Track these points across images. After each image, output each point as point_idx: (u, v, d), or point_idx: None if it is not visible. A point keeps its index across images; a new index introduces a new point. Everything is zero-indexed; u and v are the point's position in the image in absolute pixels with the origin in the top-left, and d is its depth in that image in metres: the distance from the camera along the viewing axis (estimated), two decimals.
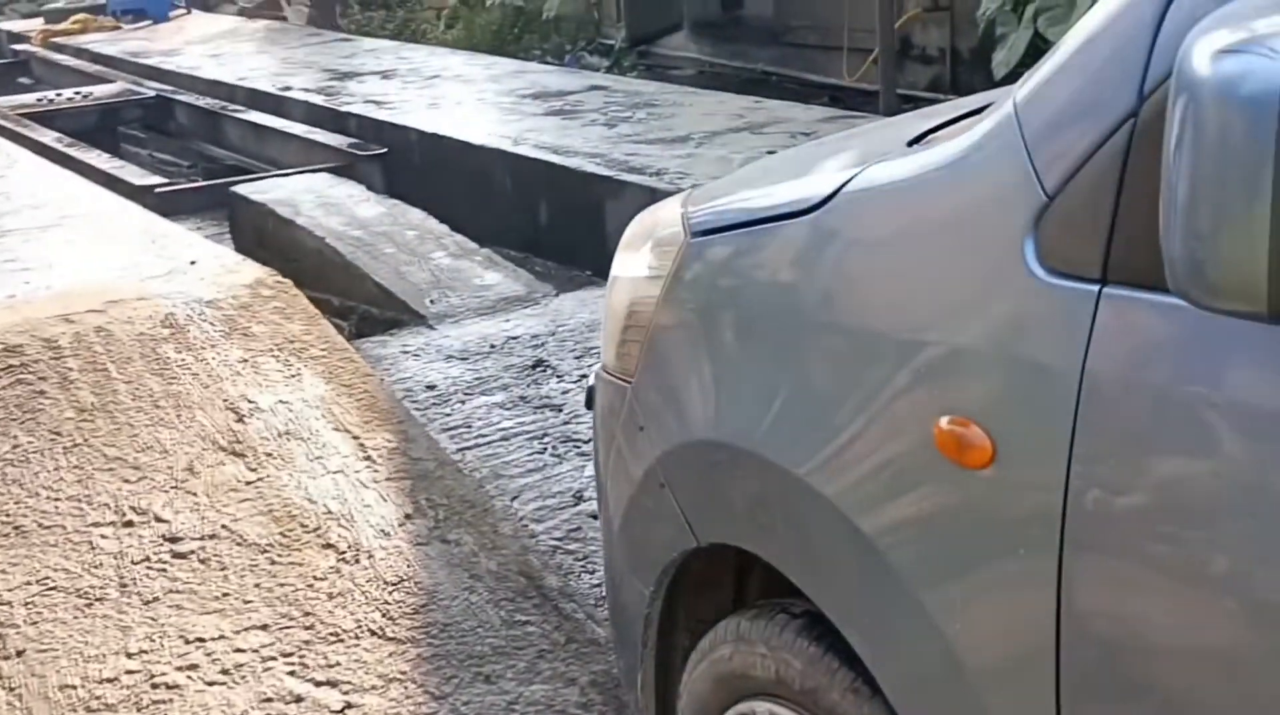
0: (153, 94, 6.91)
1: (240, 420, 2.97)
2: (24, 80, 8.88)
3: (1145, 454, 1.10)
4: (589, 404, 2.01)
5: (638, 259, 1.83)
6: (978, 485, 1.22)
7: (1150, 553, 1.09)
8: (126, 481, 2.76)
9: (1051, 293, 1.17)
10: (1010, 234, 1.20)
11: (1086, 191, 1.11)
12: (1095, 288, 1.12)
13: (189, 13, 9.90)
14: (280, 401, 3.06)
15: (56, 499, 2.70)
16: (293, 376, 3.16)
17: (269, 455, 2.90)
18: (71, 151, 5.29)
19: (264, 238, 4.61)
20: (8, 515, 2.63)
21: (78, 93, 7.06)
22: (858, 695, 1.44)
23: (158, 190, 4.76)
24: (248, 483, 2.81)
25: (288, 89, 6.51)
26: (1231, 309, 0.95)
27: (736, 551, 1.63)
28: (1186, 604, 1.06)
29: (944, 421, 1.25)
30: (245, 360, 3.18)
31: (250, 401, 3.04)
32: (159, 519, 2.69)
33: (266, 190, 4.76)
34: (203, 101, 6.70)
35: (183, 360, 3.13)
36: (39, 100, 6.92)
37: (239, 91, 6.74)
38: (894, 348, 1.35)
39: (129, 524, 2.67)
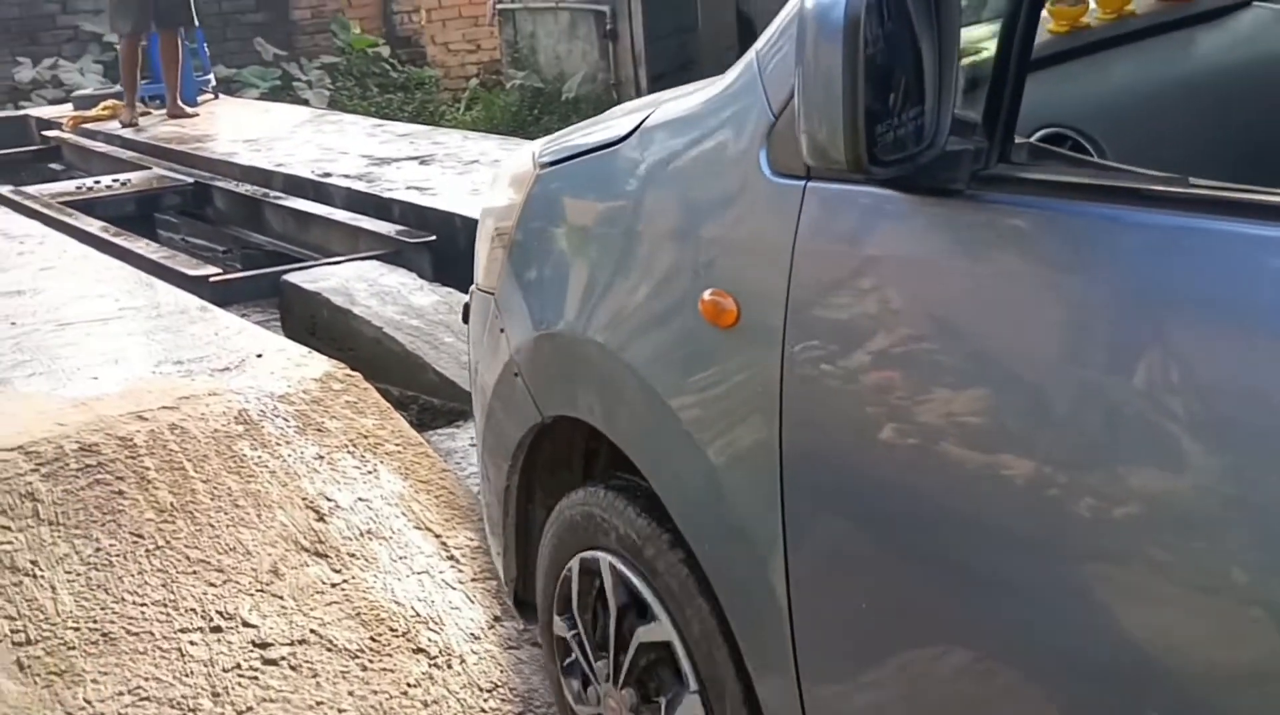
0: (191, 181, 6.96)
1: (321, 519, 2.95)
2: (55, 166, 8.94)
3: (823, 297, 1.54)
4: (465, 318, 2.46)
5: (500, 192, 2.32)
6: (729, 338, 1.66)
7: (831, 367, 1.53)
8: (211, 585, 2.74)
9: (776, 189, 1.59)
10: (751, 147, 1.64)
11: (792, 112, 1.46)
12: (801, 183, 1.55)
13: (216, 97, 9.99)
14: (359, 499, 3.03)
15: (143, 604, 2.67)
16: (369, 473, 3.14)
17: (352, 555, 2.87)
18: (118, 240, 5.31)
19: (317, 327, 4.60)
20: (95, 621, 2.60)
21: (116, 180, 7.10)
22: (661, 547, 1.87)
23: (212, 280, 4.76)
24: (333, 585, 2.79)
25: (327, 175, 6.55)
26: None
27: (584, 437, 2.08)
28: (854, 404, 1.50)
29: (707, 294, 1.68)
30: (321, 456, 3.16)
31: (329, 500, 3.01)
32: (247, 624, 2.66)
33: (319, 279, 4.77)
34: (242, 188, 6.73)
35: (259, 457, 3.11)
36: (78, 188, 6.96)
37: (276, 177, 6.78)
38: (673, 242, 1.81)
39: (217, 629, 2.64)
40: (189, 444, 3.13)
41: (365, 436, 3.26)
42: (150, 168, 7.46)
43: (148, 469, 3.02)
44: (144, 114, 8.98)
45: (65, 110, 9.66)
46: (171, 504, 2.93)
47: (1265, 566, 1.11)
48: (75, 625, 2.60)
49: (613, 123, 2.06)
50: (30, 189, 6.94)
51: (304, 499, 3.00)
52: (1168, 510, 1.19)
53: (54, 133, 9.08)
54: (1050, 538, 1.29)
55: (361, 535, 2.93)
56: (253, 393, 3.38)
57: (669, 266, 1.82)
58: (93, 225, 5.71)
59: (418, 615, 2.73)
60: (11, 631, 2.57)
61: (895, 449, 1.45)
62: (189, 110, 9.03)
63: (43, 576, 2.69)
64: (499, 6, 11.36)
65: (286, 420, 3.27)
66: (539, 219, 2.16)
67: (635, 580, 1.95)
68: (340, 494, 3.04)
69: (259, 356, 3.65)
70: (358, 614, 2.71)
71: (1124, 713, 1.25)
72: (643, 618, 1.94)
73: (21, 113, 10.24)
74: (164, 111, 9.09)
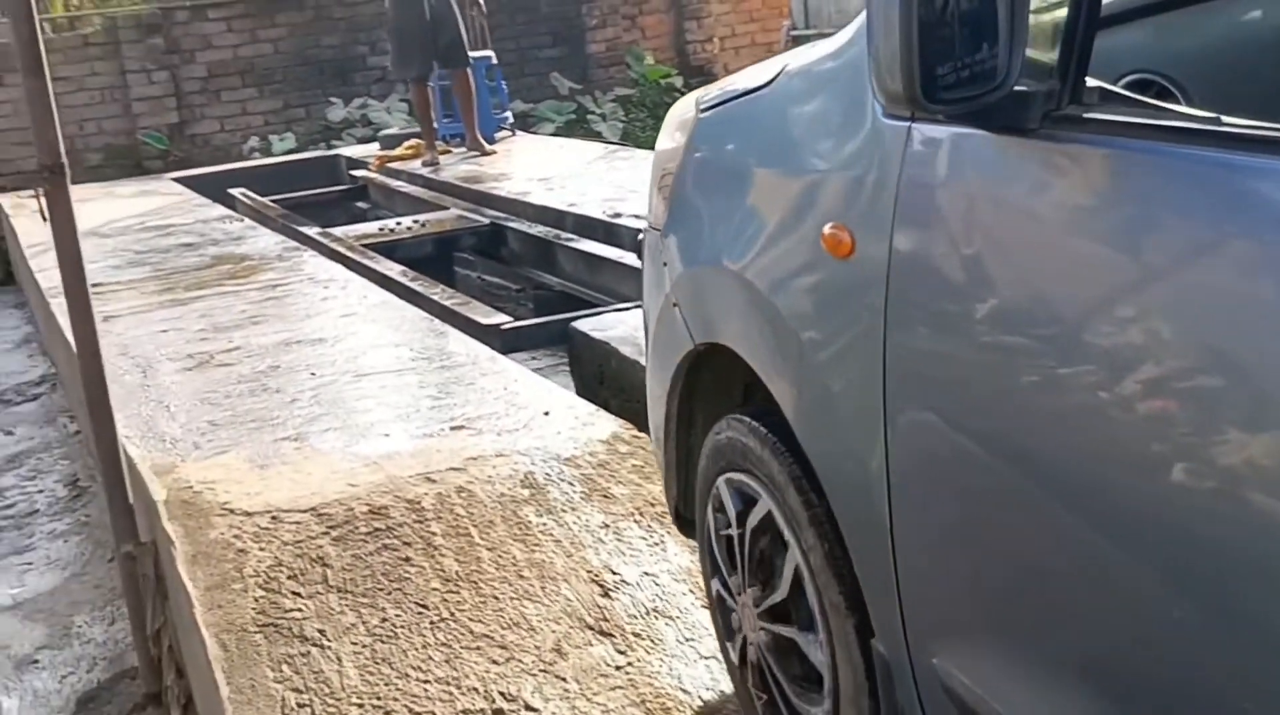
0: (487, 222, 7.08)
1: (606, 595, 2.84)
2: (361, 205, 9.32)
3: (920, 230, 1.65)
4: (638, 253, 2.70)
5: (667, 136, 2.48)
6: (845, 269, 1.78)
7: (925, 298, 1.64)
8: (494, 663, 2.66)
9: (885, 129, 1.71)
10: (863, 90, 1.74)
11: None
12: (907, 124, 1.66)
13: (514, 134, 10.21)
14: (645, 574, 2.92)
15: (426, 681, 2.62)
16: (656, 545, 3.02)
17: (637, 635, 2.75)
18: (415, 285, 5.42)
19: (605, 376, 4.54)
20: (379, 699, 2.56)
21: (415, 221, 7.31)
22: (784, 464, 2.01)
23: (503, 328, 4.78)
24: (617, 668, 2.67)
25: (618, 215, 6.54)
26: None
27: (744, 368, 2.13)
28: (944, 334, 1.62)
29: (828, 228, 1.81)
30: (606, 526, 3.06)
31: (615, 573, 2.91)
32: (529, 708, 2.57)
33: (607, 327, 4.71)
34: (535, 229, 6.80)
35: (544, 525, 3.04)
36: (380, 229, 7.20)
37: (568, 218, 6.82)
38: (802, 180, 1.98)
39: (499, 712, 2.55)
40: (475, 509, 3.09)
41: (652, 505, 3.15)
42: (449, 208, 7.65)
43: (434, 535, 2.99)
44: (444, 152, 9.26)
45: (372, 150, 10.08)
46: (457, 572, 2.89)
47: None
48: (359, 701, 2.57)
49: (763, 69, 2.20)
50: (336, 231, 7.23)
51: (589, 571, 2.90)
52: (1258, 450, 1.23)
53: (361, 172, 9.48)
54: (1145, 465, 1.34)
55: (647, 613, 2.80)
56: (539, 455, 3.33)
57: (798, 202, 1.98)
58: (392, 269, 5.86)
59: (705, 705, 2.58)
60: (299, 705, 2.56)
61: (978, 378, 1.58)
62: (488, 147, 9.26)
63: (330, 647, 2.68)
64: (793, 34, 11.23)
65: (572, 485, 3.20)
66: (696, 159, 2.35)
67: (774, 507, 2.08)
68: (626, 567, 2.93)
69: (546, 414, 3.60)
70: (642, 701, 2.58)
71: (1204, 632, 1.29)
72: (772, 538, 2.10)
73: (333, 152, 10.75)
74: (464, 149, 9.35)
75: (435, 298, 5.10)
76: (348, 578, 2.86)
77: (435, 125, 9.37)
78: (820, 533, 1.93)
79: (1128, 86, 2.01)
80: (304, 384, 4.14)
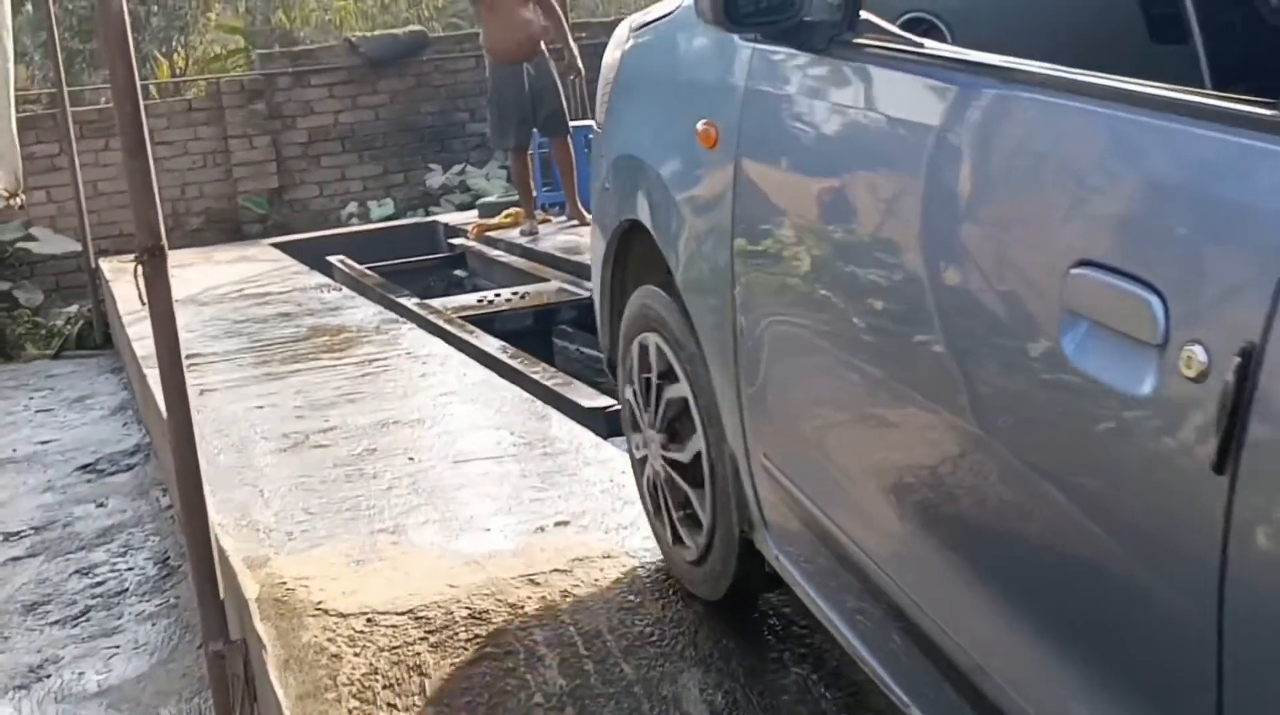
0: (586, 295, 6.97)
1: None
2: (459, 273, 9.29)
3: (755, 124, 2.23)
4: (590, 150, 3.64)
5: (609, 53, 3.06)
6: (711, 156, 2.37)
7: (757, 173, 2.23)
8: None
9: (739, 48, 2.30)
10: None
11: None
12: (751, 45, 2.27)
13: None
14: (761, 694, 2.73)
15: None
16: (774, 660, 2.83)
17: None
18: (515, 363, 5.32)
19: None
20: None
21: (515, 292, 7.23)
22: (682, 327, 2.63)
23: (607, 412, 4.64)
24: None
25: None
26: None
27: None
28: (768, 200, 2.22)
29: (700, 124, 2.40)
30: (719, 641, 2.88)
31: (727, 694, 2.72)
32: None
33: None
34: None
35: (650, 635, 2.87)
36: (479, 302, 7.13)
37: None
38: (687, 87, 2.60)
39: None
40: (581, 615, 2.93)
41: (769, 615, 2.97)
42: (549, 279, 7.57)
43: (537, 644, 2.84)
44: (544, 221, 9.21)
45: (470, 217, 10.08)
46: (561, 687, 2.72)
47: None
48: None
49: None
50: (434, 302, 7.17)
51: (701, 691, 2.73)
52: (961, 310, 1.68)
53: (459, 240, 9.46)
54: (897, 308, 1.82)
55: None
56: (646, 555, 3.17)
57: (683, 104, 2.56)
58: (491, 345, 5.76)
59: None
60: None
61: (788, 240, 2.16)
62: (589, 216, 9.19)
63: None
64: None
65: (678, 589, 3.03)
66: (623, 72, 2.99)
67: (671, 355, 2.72)
68: (740, 689, 2.75)
69: None
70: None
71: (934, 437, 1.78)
72: (671, 380, 2.75)
73: (431, 219, 10.77)
74: (564, 218, 9.30)
75: (536, 377, 4.98)
76: (446, 689, 2.71)
77: (535, 194, 9.33)
78: (699, 374, 2.60)
79: (904, 24, 2.49)
80: (401, 470, 4.02)
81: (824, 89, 2.09)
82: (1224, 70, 2.26)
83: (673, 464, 2.80)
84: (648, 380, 2.86)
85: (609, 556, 3.17)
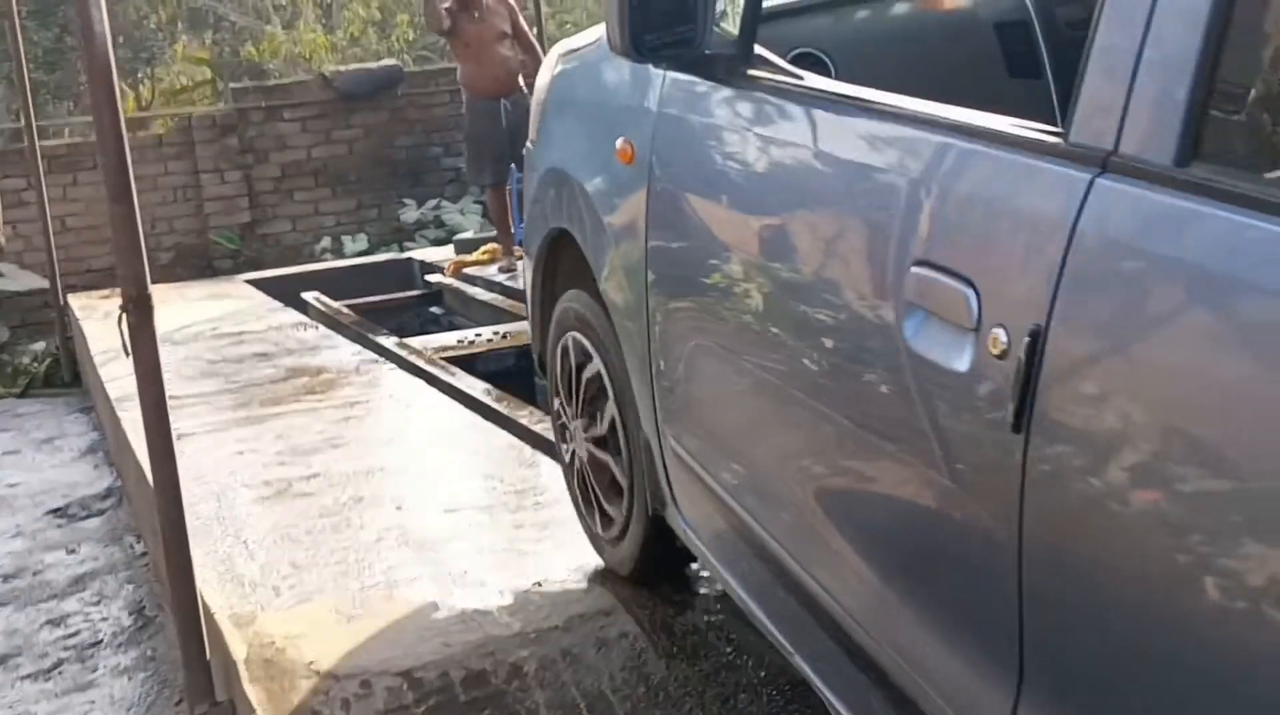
0: None
1: None
2: (435, 310, 9.20)
3: (665, 144, 2.54)
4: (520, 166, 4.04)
5: (543, 74, 3.36)
6: (629, 171, 2.66)
7: (667, 190, 2.53)
8: None
9: (652, 75, 2.60)
10: None
11: None
12: (664, 72, 2.57)
13: None
14: None
15: None
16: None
17: None
18: (501, 407, 5.23)
19: None
20: None
21: (496, 332, 7.15)
22: (602, 322, 2.95)
23: None
24: None
25: None
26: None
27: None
28: (679, 210, 2.52)
29: (619, 142, 2.69)
30: (728, 699, 2.80)
31: None
32: None
33: None
34: None
35: (655, 694, 2.79)
36: (459, 342, 7.04)
37: None
38: (609, 108, 2.89)
39: None
40: (582, 675, 2.85)
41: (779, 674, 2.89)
42: (525, 318, 7.48)
43: (539, 706, 2.75)
44: (521, 258, 9.12)
45: (446, 253, 9.99)
46: None
47: None
48: None
49: (597, 28, 2.95)
50: (414, 341, 7.08)
51: None
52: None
53: (436, 277, 9.37)
54: (778, 307, 2.16)
55: None
56: (648, 611, 3.09)
57: (605, 124, 2.83)
58: (475, 387, 5.68)
59: None
60: None
61: (689, 248, 2.46)
62: None
63: None
64: None
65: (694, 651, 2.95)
66: (552, 92, 3.27)
67: (587, 344, 3.07)
68: None
69: None
70: None
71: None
72: (588, 361, 3.08)
73: (406, 256, 10.68)
74: None
75: (523, 421, 4.89)
76: None
77: (513, 230, 9.25)
78: (619, 371, 2.92)
79: (794, 58, 2.68)
80: (390, 519, 3.93)
81: (722, 114, 2.42)
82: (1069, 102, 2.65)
83: (594, 443, 3.16)
84: (570, 375, 3.21)
85: (608, 613, 3.09)
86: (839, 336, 1.96)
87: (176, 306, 8.76)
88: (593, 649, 2.94)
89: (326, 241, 11.57)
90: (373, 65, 12.57)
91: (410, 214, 11.68)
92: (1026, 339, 1.47)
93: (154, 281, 3.00)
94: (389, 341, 7.09)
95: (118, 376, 6.10)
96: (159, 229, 11.19)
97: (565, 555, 3.46)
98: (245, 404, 5.75)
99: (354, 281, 9.79)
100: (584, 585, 3.27)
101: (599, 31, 2.89)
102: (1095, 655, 1.46)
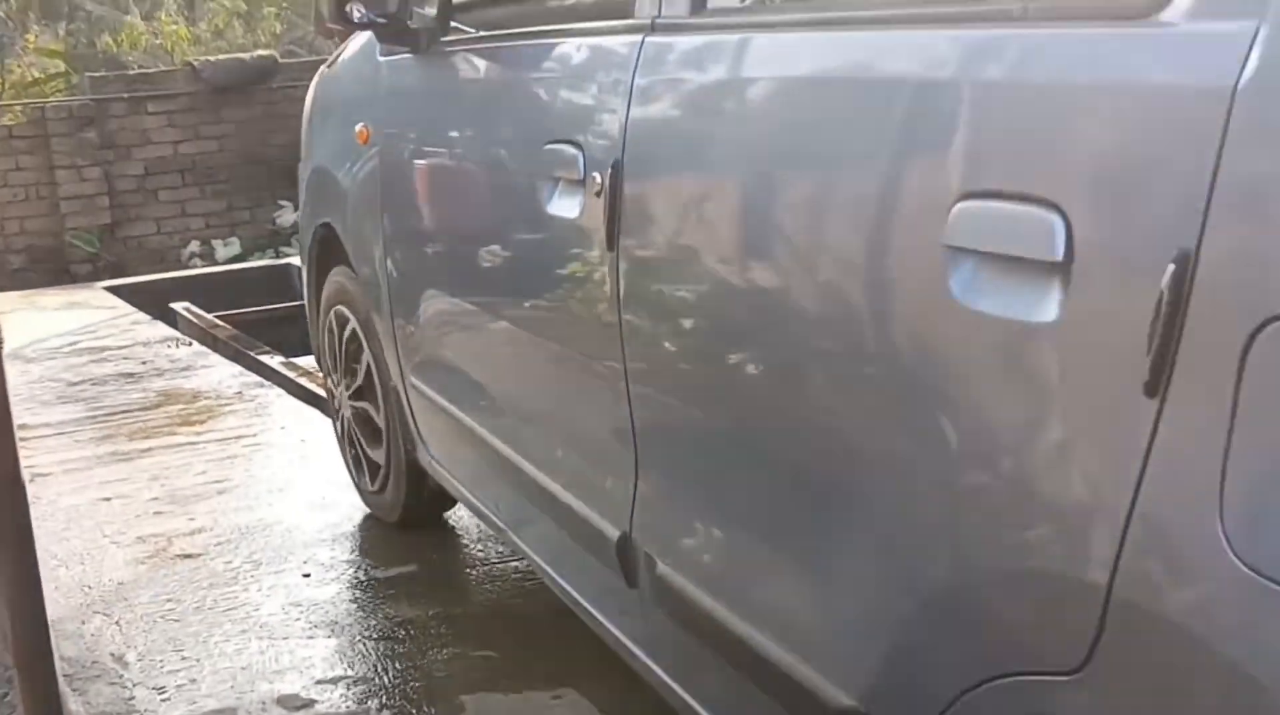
0: None
1: None
2: None
3: (389, 116, 3.04)
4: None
5: (310, 89, 3.80)
6: (366, 151, 3.08)
7: (393, 157, 2.98)
8: None
9: (380, 62, 3.10)
10: (373, 44, 3.13)
11: None
12: (385, 58, 3.07)
13: None
14: None
15: None
16: None
17: None
18: None
19: None
20: None
21: None
22: (359, 293, 3.34)
23: None
24: None
25: None
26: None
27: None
28: (401, 173, 2.95)
29: (358, 126, 3.11)
30: None
31: None
32: None
33: None
34: None
35: None
36: None
37: None
38: (351, 102, 3.30)
39: None
40: None
41: None
42: None
43: None
44: None
45: None
46: None
47: None
48: None
49: (351, 42, 3.39)
50: (303, 362, 6.31)
51: None
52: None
53: None
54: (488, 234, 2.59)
55: None
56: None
57: (348, 116, 3.23)
58: None
59: None
60: None
61: (419, 196, 2.94)
62: None
63: None
64: None
65: None
66: (314, 101, 3.67)
67: (345, 311, 3.48)
68: None
69: None
70: None
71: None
72: (355, 342, 3.45)
73: (285, 262, 9.89)
74: None
75: None
76: None
77: None
78: (373, 335, 3.27)
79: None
80: (299, 592, 3.26)
81: (421, 79, 2.89)
82: None
83: (357, 410, 3.54)
84: (337, 344, 3.58)
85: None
86: (512, 242, 2.44)
87: (27, 316, 7.89)
88: None
89: (195, 245, 10.71)
90: (245, 56, 11.72)
91: (287, 217, 10.86)
92: (610, 172, 1.90)
93: (3, 289, 2.28)
94: (274, 361, 6.36)
95: None
96: (9, 230, 10.23)
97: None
98: (111, 436, 4.97)
99: (228, 290, 8.98)
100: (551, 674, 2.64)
101: (351, 47, 3.42)
102: (689, 445, 1.89)
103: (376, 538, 3.64)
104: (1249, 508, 1.03)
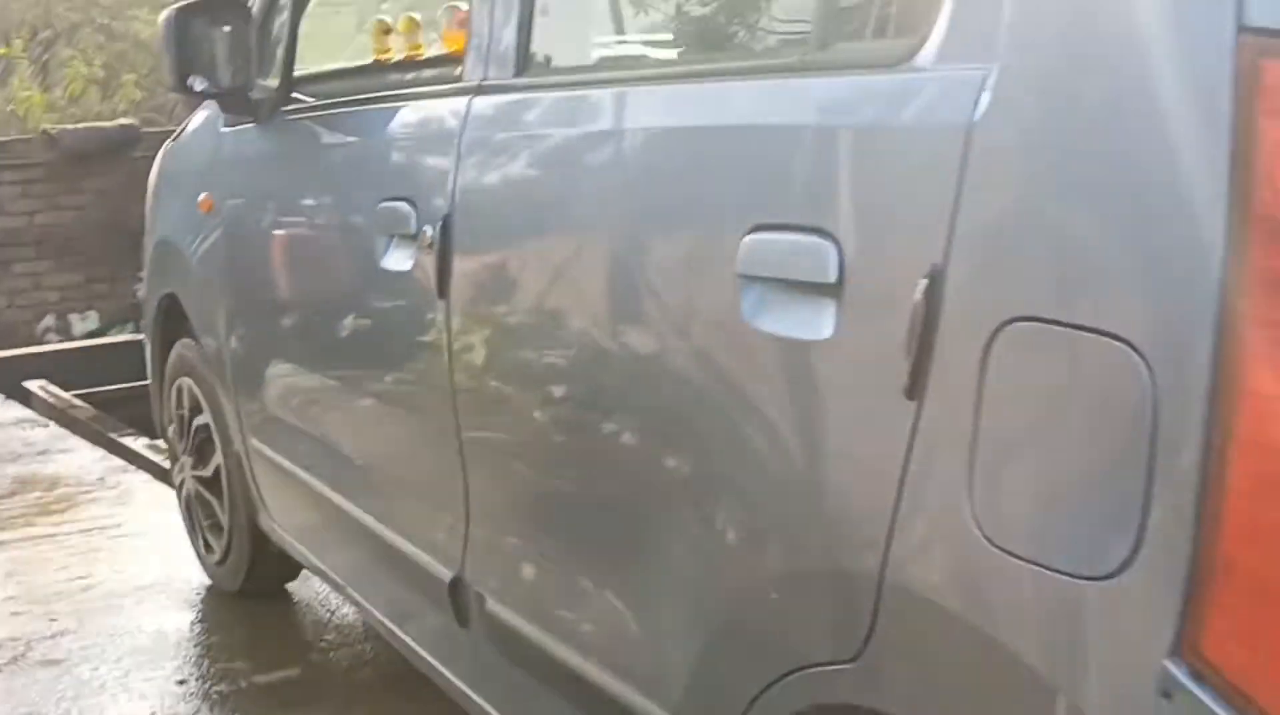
0: None
1: None
2: None
3: (231, 189, 3.17)
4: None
5: (156, 161, 3.90)
6: (210, 218, 3.17)
7: (238, 225, 3.12)
8: None
9: (223, 134, 3.24)
10: (216, 117, 3.28)
11: None
12: (229, 129, 3.20)
13: None
14: None
15: None
16: None
17: None
18: None
19: None
20: None
21: None
22: (208, 369, 3.38)
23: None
24: None
25: None
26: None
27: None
28: (245, 239, 3.12)
29: (201, 197, 3.21)
30: None
31: None
32: None
33: None
34: None
35: None
36: None
37: None
38: (194, 173, 3.39)
39: None
40: None
41: None
42: None
43: None
44: None
45: None
46: None
47: None
48: None
49: (195, 116, 3.56)
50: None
51: None
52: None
53: None
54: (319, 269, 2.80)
55: None
56: None
57: (191, 186, 3.33)
58: None
59: None
60: None
61: (257, 263, 3.03)
62: None
63: None
64: None
65: None
66: (158, 175, 3.77)
67: (197, 390, 3.51)
68: None
69: None
70: None
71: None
72: (198, 413, 3.53)
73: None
74: None
75: None
76: None
77: None
78: (216, 403, 3.36)
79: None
80: (174, 704, 3.01)
81: (267, 149, 2.97)
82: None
83: (200, 481, 3.59)
84: (182, 416, 3.64)
85: None
86: (349, 300, 2.53)
87: None
88: None
89: (50, 320, 10.31)
90: (105, 124, 11.37)
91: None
92: (440, 225, 2.02)
93: None
94: (138, 443, 6.08)
95: None
96: None
97: None
98: None
99: (86, 367, 8.60)
100: None
101: (196, 119, 3.51)
102: (516, 485, 2.02)
103: (256, 637, 3.41)
104: (993, 490, 1.15)
